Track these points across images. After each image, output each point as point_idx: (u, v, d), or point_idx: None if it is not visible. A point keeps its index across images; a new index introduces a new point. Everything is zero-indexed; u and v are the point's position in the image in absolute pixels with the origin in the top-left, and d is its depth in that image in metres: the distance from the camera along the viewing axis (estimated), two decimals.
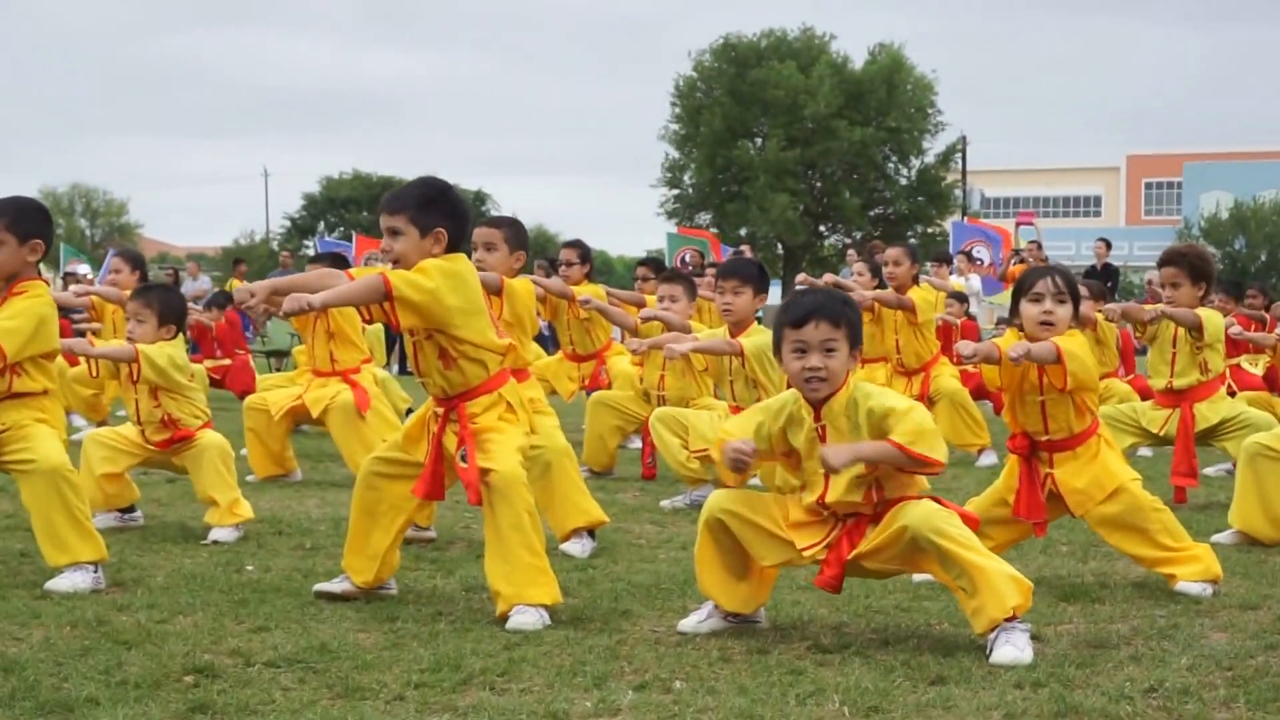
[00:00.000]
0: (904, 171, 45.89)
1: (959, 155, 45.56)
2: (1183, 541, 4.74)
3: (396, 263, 4.36)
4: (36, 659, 3.70)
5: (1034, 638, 4.01)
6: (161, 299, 6.10)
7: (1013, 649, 3.73)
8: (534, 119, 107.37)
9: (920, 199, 45.04)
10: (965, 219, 29.19)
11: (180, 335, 6.09)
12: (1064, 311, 4.73)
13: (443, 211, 4.36)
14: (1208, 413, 6.65)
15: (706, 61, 45.17)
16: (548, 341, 13.47)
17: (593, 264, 9.56)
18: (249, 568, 5.11)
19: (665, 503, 6.86)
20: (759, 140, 44.71)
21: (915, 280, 9.14)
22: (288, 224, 57.11)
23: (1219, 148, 52.15)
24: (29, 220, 4.80)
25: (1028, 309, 4.75)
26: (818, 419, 3.99)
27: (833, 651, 3.85)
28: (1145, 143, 60.78)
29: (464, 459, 4.37)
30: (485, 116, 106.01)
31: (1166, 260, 6.68)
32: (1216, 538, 5.66)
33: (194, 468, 5.92)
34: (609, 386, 8.92)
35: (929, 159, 45.63)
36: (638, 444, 9.15)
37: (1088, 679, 3.55)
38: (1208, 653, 3.81)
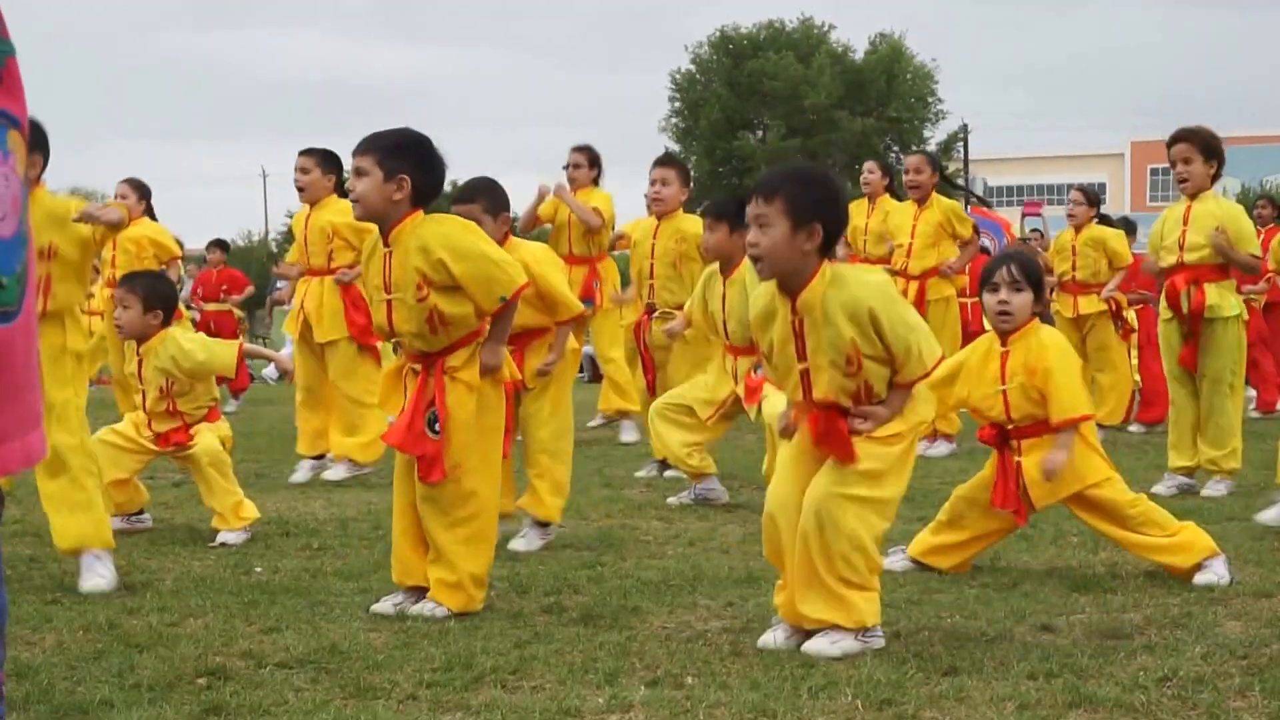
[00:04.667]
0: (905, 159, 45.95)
1: (961, 144, 45.56)
2: (1169, 526, 4.70)
3: (357, 202, 4.28)
4: (50, 663, 3.70)
5: (1045, 628, 4.01)
6: (146, 284, 5.94)
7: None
8: (539, 112, 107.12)
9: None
10: (969, 208, 29.13)
11: (168, 322, 5.93)
12: (1020, 299, 4.68)
13: (411, 160, 4.24)
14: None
15: (704, 54, 45.19)
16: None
17: (602, 168, 9.31)
18: (257, 569, 5.11)
19: (672, 499, 6.84)
20: (760, 132, 44.72)
21: (940, 188, 8.95)
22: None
23: (1225, 132, 51.80)
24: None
25: (987, 299, 4.74)
26: (794, 312, 3.76)
27: None
28: (1149, 128, 60.66)
29: (433, 425, 4.24)
30: (489, 111, 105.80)
31: (1178, 138, 6.68)
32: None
33: (194, 476, 5.91)
34: (599, 302, 8.89)
35: (931, 148, 45.66)
36: (631, 435, 9.16)
37: (1101, 669, 3.54)
38: (1222, 641, 3.80)
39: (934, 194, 8.88)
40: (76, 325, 4.81)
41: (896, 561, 4.84)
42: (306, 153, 7.70)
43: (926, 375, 3.81)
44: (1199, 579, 4.59)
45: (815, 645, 3.74)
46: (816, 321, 3.73)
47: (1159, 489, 6.76)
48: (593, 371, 9.65)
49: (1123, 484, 4.77)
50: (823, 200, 3.77)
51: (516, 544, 5.46)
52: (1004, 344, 4.76)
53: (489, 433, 4.36)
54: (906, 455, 3.87)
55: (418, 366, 4.33)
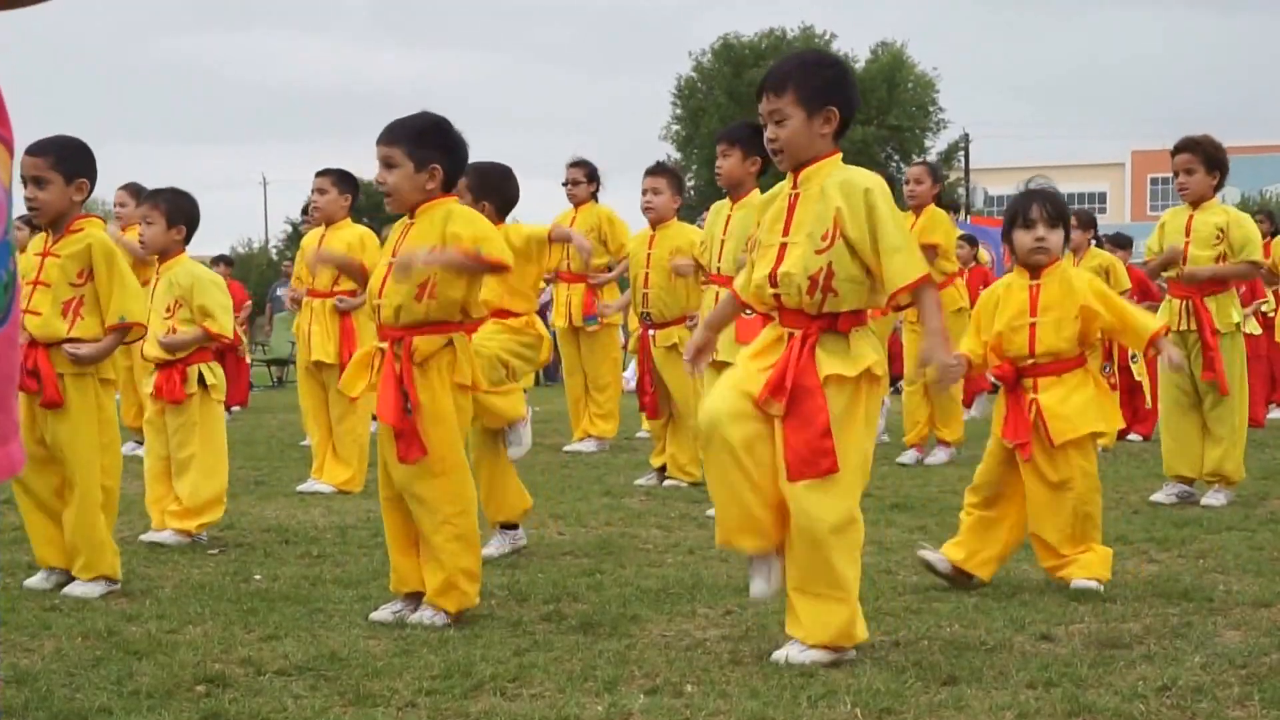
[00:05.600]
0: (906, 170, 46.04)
1: (961, 153, 45.62)
2: (1078, 546, 4.67)
3: (389, 195, 4.31)
4: (49, 670, 3.70)
5: (1045, 637, 4.01)
6: (169, 199, 5.91)
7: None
8: (543, 117, 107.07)
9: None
10: (969, 218, 29.13)
11: (190, 238, 5.91)
12: (1056, 238, 4.73)
13: (439, 146, 4.29)
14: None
15: (706, 63, 45.29)
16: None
17: (600, 183, 9.30)
18: (257, 577, 5.11)
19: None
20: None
21: (937, 200, 8.79)
22: (289, 228, 57.13)
23: (1225, 141, 51.92)
24: (74, 159, 4.77)
25: (1021, 236, 4.73)
26: (795, 185, 3.83)
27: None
28: (1151, 138, 60.73)
29: (406, 405, 4.20)
30: (492, 115, 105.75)
31: (1181, 148, 6.70)
32: None
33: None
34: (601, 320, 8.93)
35: (931, 157, 45.72)
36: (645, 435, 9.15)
37: (1101, 678, 3.54)
38: (1221, 651, 3.80)
39: (930, 205, 8.76)
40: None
41: (939, 562, 4.72)
42: (324, 173, 7.71)
43: (907, 288, 3.68)
44: (1077, 584, 4.62)
45: (787, 652, 3.74)
46: (811, 195, 3.78)
47: (1159, 497, 6.76)
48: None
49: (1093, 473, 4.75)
50: (833, 81, 3.83)
51: (489, 550, 5.37)
52: (1035, 277, 4.76)
53: (462, 433, 4.40)
54: (869, 416, 3.79)
55: (384, 345, 4.30)
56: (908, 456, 8.65)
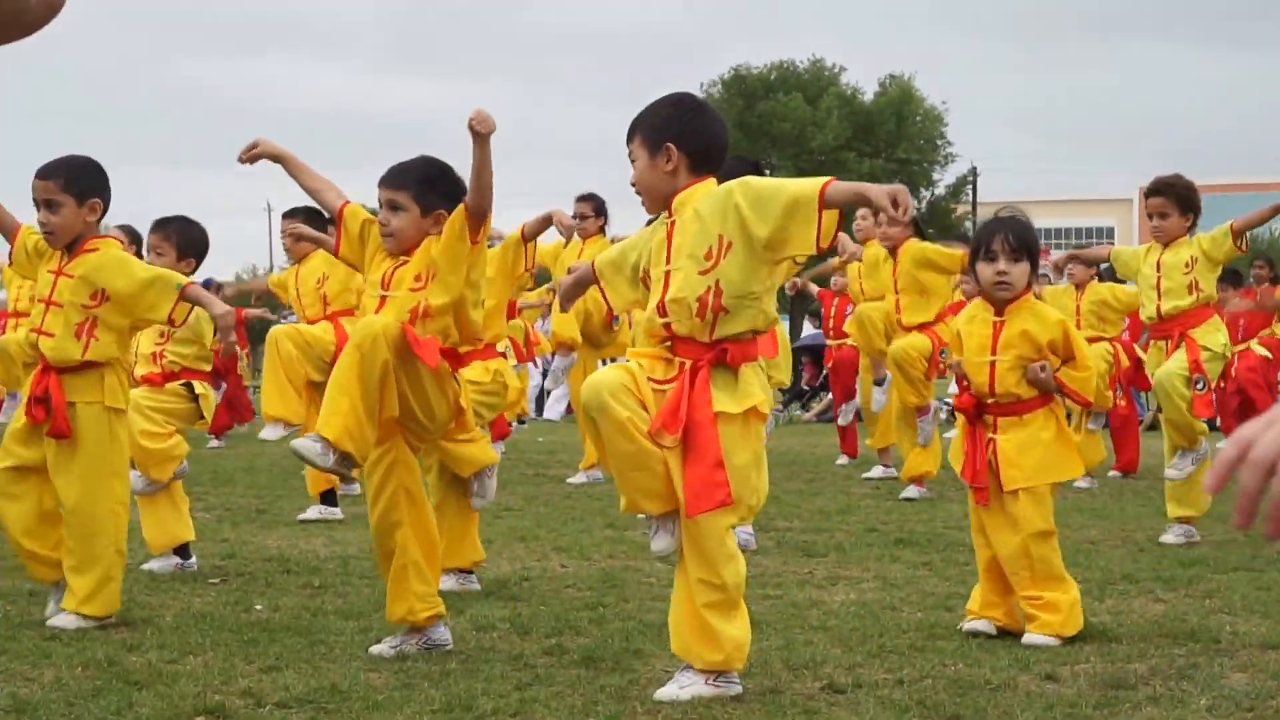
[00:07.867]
0: (914, 204, 46.12)
1: (969, 187, 45.65)
2: (1039, 589, 4.48)
3: (391, 236, 4.35)
4: (49, 699, 3.68)
5: (1050, 677, 3.98)
6: (180, 230, 5.90)
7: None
8: (551, 146, 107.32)
9: (930, 232, 45.07)
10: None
11: (198, 269, 5.93)
12: (1019, 271, 4.55)
13: (444, 192, 4.36)
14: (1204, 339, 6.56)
15: (716, 93, 45.41)
16: None
17: (608, 216, 9.33)
18: (258, 607, 5.09)
19: None
20: (767, 172, 44.94)
21: (919, 233, 8.74)
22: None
23: (1234, 179, 52.14)
24: (85, 178, 4.73)
25: (983, 269, 4.58)
26: (670, 214, 3.88)
27: (846, 691, 3.82)
28: (1159, 173, 60.76)
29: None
30: (500, 143, 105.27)
31: (1155, 190, 6.71)
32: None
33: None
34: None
35: (939, 191, 45.77)
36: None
37: None
38: (1227, 693, 3.77)
39: (908, 241, 8.58)
40: (117, 379, 4.82)
41: (985, 627, 4.56)
42: (290, 215, 7.89)
43: (823, 189, 3.67)
44: (1028, 639, 4.44)
45: (666, 691, 3.71)
46: (686, 221, 3.81)
47: (1167, 538, 6.72)
48: None
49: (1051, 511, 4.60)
50: (668, 121, 3.88)
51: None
52: (999, 314, 4.62)
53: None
54: (756, 455, 3.79)
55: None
56: (910, 491, 8.62)
